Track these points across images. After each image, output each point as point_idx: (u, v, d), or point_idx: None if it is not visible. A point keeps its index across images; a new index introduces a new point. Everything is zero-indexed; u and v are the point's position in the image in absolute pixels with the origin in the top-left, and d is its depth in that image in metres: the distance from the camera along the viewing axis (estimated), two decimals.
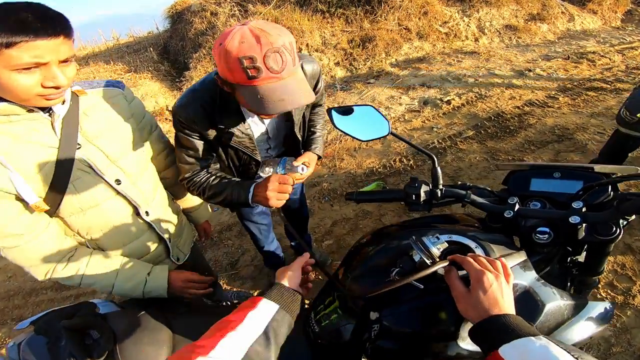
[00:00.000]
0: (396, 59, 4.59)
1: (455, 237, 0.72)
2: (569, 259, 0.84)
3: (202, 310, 1.12)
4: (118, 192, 0.90)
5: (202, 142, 1.03)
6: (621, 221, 0.68)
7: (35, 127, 0.75)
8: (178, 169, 1.06)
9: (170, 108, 4.46)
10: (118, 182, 0.89)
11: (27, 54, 0.63)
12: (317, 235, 2.30)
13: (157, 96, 4.51)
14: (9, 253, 0.81)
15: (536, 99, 3.43)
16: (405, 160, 2.76)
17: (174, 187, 1.15)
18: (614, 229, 0.66)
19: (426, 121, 3.26)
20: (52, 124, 0.77)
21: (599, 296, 1.71)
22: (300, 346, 0.92)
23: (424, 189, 0.81)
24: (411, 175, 2.64)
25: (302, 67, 0.98)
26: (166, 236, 1.07)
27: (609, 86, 3.56)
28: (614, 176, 0.74)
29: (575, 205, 0.67)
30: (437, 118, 3.27)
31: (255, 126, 1.10)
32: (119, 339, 0.86)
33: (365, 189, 1.09)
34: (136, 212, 0.96)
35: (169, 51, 5.87)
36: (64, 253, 0.88)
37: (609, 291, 1.73)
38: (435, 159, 0.81)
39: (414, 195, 0.81)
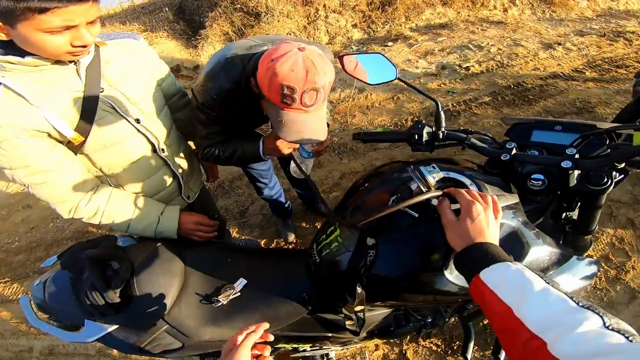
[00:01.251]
0: (416, 24, 4.39)
1: (452, 174, 0.73)
2: (563, 215, 0.84)
3: (212, 244, 1.16)
4: (138, 130, 0.98)
5: (222, 124, 1.10)
6: (614, 173, 0.66)
7: (62, 75, 0.83)
8: (195, 142, 1.18)
9: (185, 65, 4.44)
10: (138, 121, 0.97)
11: (59, 18, 0.68)
12: (324, 187, 2.31)
13: (173, 54, 4.50)
14: (37, 189, 0.88)
15: (561, 72, 3.26)
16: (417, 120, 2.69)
17: (186, 129, 1.21)
18: (605, 179, 0.65)
19: (442, 85, 3.15)
20: (77, 72, 0.85)
21: None
22: (302, 280, 0.94)
23: (426, 130, 0.84)
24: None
25: None
26: (179, 172, 1.16)
27: None
28: (603, 128, 0.73)
29: (568, 151, 0.67)
30: (454, 83, 3.15)
31: None
32: (135, 269, 0.89)
33: (372, 131, 1.11)
34: (153, 149, 1.05)
35: (184, 11, 5.75)
36: (87, 189, 0.95)
37: (603, 264, 1.69)
38: (439, 103, 0.84)
39: (416, 136, 0.84)
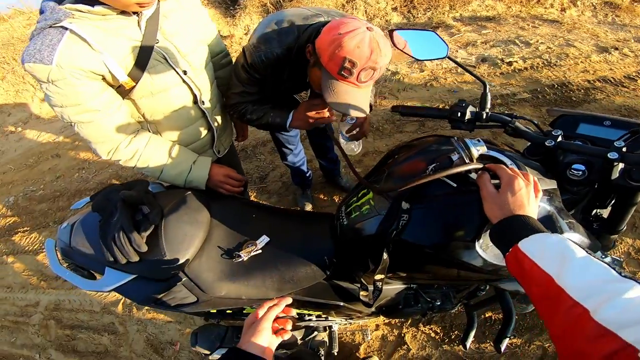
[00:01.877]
0: (461, 14, 4.19)
1: (493, 153, 0.71)
2: (593, 212, 0.82)
3: (238, 200, 1.17)
4: (184, 81, 1.03)
5: (261, 86, 1.12)
6: None
7: (125, 24, 0.89)
8: (227, 95, 1.20)
9: (222, 34, 4.47)
10: (185, 72, 1.02)
11: None
12: (346, 163, 2.28)
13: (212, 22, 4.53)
14: (83, 128, 0.94)
15: (612, 77, 3.03)
16: (447, 107, 2.60)
17: (224, 87, 1.25)
18: None
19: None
20: (138, 23, 0.91)
21: None
22: (325, 242, 0.94)
23: (470, 109, 0.82)
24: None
25: None
26: (215, 125, 1.21)
27: None
28: None
29: (616, 144, 0.65)
30: (493, 77, 3.00)
31: None
32: (165, 215, 0.89)
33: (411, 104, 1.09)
34: (195, 101, 1.10)
35: None
36: (129, 133, 1.00)
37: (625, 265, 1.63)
38: (487, 84, 0.81)
39: (459, 113, 0.82)
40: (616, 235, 0.80)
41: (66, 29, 0.81)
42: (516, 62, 3.20)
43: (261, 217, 1.03)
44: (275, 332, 0.63)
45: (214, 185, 1.11)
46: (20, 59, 0.82)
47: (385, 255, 0.74)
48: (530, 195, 0.57)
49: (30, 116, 4.20)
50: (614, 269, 0.40)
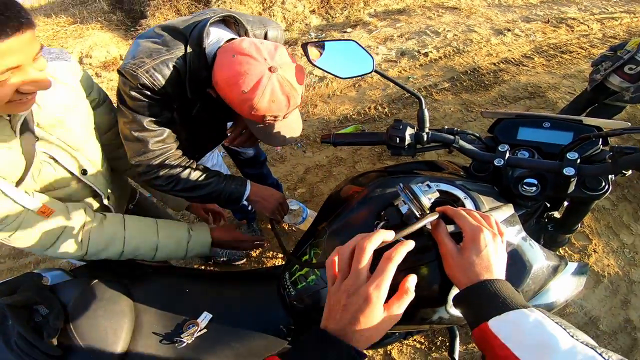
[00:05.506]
0: (375, 10, 4.33)
1: (443, 186, 0.63)
2: (545, 214, 0.80)
3: (163, 273, 0.99)
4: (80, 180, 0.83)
5: (167, 108, 0.84)
6: (611, 177, 0.63)
7: None
8: (134, 162, 0.87)
9: (124, 58, 3.95)
10: (84, 172, 0.82)
11: (5, 57, 0.50)
12: (289, 184, 2.17)
13: (109, 46, 3.96)
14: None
15: (512, 58, 3.38)
16: (380, 108, 2.64)
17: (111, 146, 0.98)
18: (603, 184, 0.62)
19: (402, 71, 3.12)
20: (10, 124, 0.66)
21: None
22: (277, 309, 0.82)
23: (409, 132, 0.74)
24: (387, 120, 2.54)
25: (267, 34, 0.92)
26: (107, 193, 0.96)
27: (583, 52, 3.56)
28: (605, 130, 0.68)
29: (570, 156, 0.60)
30: (414, 69, 3.14)
31: None
32: (71, 313, 0.74)
33: (343, 132, 1.00)
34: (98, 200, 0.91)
35: (122, 0, 5.17)
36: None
37: (566, 249, 1.73)
38: (423, 100, 0.73)
39: (398, 139, 0.74)
40: (571, 234, 0.81)
41: None
42: (431, 52, 3.39)
43: (196, 289, 0.89)
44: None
45: (222, 243, 0.98)
46: None
47: None
48: (498, 251, 0.49)
49: None
50: (600, 354, 0.35)
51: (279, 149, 2.38)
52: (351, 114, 2.62)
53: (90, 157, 0.84)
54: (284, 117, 0.80)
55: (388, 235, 0.47)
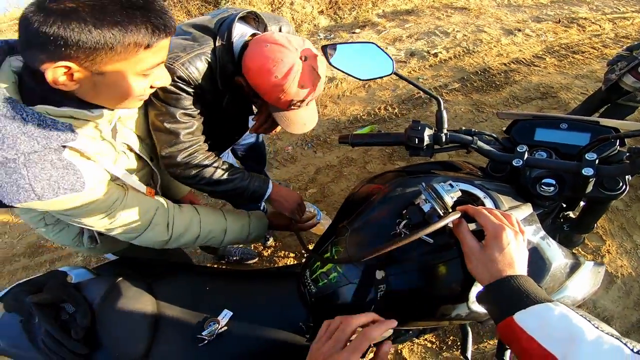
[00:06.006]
0: (383, 10, 4.33)
1: (462, 186, 0.63)
2: (561, 214, 0.80)
3: (184, 271, 1.01)
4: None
5: (200, 103, 0.88)
6: (628, 177, 0.63)
7: (100, 127, 0.69)
8: (165, 154, 0.88)
9: None
10: (152, 159, 0.88)
11: (160, 54, 0.58)
12: (300, 184, 2.19)
13: None
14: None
15: (523, 58, 3.35)
16: (390, 109, 2.65)
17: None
18: (620, 184, 0.62)
19: (412, 72, 3.12)
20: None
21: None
22: (296, 307, 0.84)
23: (427, 132, 0.75)
24: (397, 121, 2.54)
25: (280, 29, 0.98)
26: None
27: (595, 52, 3.52)
28: (623, 131, 0.68)
29: (588, 156, 0.61)
30: (424, 69, 3.14)
31: None
32: (97, 311, 0.76)
33: (360, 132, 1.02)
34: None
35: None
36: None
37: (580, 249, 1.72)
38: (441, 101, 0.75)
39: (417, 139, 0.75)
40: (586, 234, 0.81)
41: (64, 146, 0.62)
42: (440, 52, 3.38)
43: (216, 287, 0.92)
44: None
45: (278, 224, 1.03)
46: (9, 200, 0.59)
47: None
48: (520, 249, 0.50)
49: None
50: (625, 344, 0.37)
51: (289, 149, 2.40)
52: (361, 114, 2.63)
53: (152, 144, 0.89)
54: (307, 104, 0.87)
55: (389, 324, 0.53)
